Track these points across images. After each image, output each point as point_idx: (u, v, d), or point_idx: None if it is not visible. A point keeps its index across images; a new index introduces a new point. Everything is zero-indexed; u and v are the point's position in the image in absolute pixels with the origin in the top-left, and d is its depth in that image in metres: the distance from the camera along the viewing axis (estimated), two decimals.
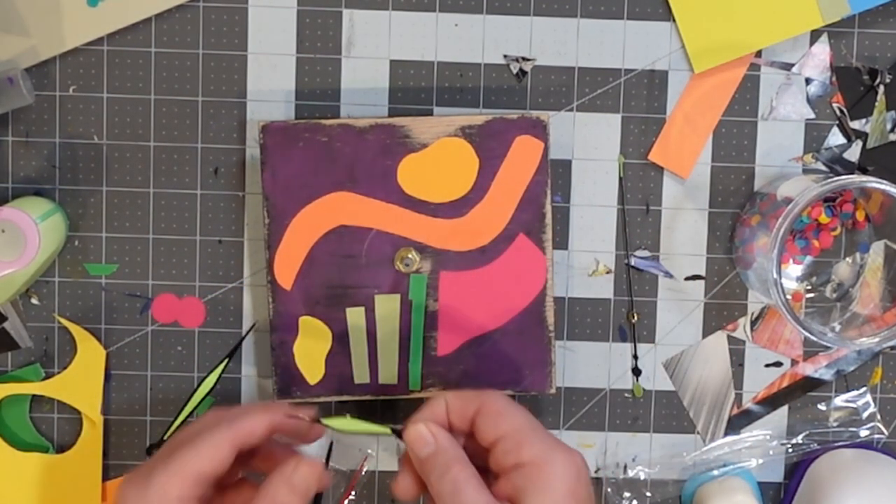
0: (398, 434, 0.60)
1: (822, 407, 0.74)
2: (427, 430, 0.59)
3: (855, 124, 0.72)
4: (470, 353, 0.69)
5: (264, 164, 0.67)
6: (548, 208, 0.68)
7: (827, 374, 0.74)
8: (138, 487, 0.57)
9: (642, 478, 0.74)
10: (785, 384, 0.74)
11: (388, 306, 0.69)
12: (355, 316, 0.69)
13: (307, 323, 0.69)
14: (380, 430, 0.61)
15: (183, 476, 0.57)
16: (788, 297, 0.66)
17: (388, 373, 0.69)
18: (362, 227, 0.68)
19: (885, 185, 0.64)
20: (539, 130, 0.68)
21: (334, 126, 0.67)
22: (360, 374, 0.69)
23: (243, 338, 0.72)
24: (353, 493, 0.73)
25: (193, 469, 0.57)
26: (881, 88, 0.72)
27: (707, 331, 0.73)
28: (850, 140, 0.72)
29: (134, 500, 0.57)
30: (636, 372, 0.73)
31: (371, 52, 0.71)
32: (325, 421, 0.61)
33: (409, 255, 0.68)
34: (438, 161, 0.68)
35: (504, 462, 0.58)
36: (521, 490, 0.57)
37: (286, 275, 0.68)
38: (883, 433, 0.74)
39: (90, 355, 0.71)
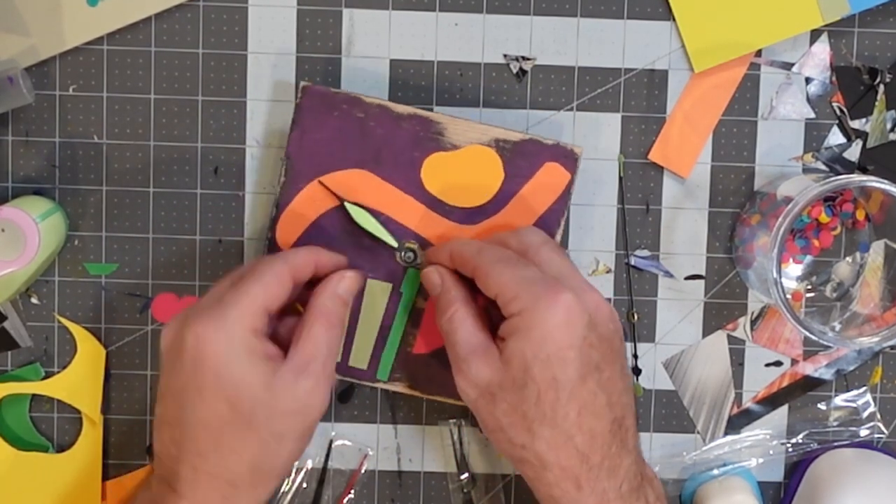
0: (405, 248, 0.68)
1: (822, 406, 0.74)
2: (436, 273, 0.65)
3: (855, 124, 0.72)
4: (443, 358, 0.66)
5: (295, 124, 0.67)
6: (558, 238, 0.68)
7: (827, 374, 0.74)
8: (215, 324, 0.59)
9: None
10: (785, 384, 0.74)
11: (378, 292, 0.69)
12: None
13: None
14: (388, 239, 0.68)
15: (254, 309, 0.60)
16: (788, 296, 0.66)
17: (360, 356, 0.69)
18: (374, 210, 0.68)
19: (885, 185, 0.64)
20: (570, 161, 0.67)
21: (373, 105, 0.67)
22: None
23: None
24: (352, 492, 0.73)
25: (262, 302, 0.60)
26: (881, 88, 0.72)
27: (707, 330, 0.73)
28: (850, 139, 0.72)
29: (213, 337, 0.59)
30: (636, 371, 0.73)
31: (371, 51, 0.71)
32: (349, 206, 0.67)
33: (412, 249, 0.68)
34: (465, 166, 0.68)
35: (504, 312, 0.61)
36: (509, 335, 0.60)
37: (287, 236, 0.68)
38: (883, 433, 0.74)
39: (90, 355, 0.71)
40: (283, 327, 0.64)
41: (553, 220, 0.68)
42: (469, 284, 0.64)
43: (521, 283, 0.60)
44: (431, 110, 0.71)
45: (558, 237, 0.68)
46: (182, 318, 0.60)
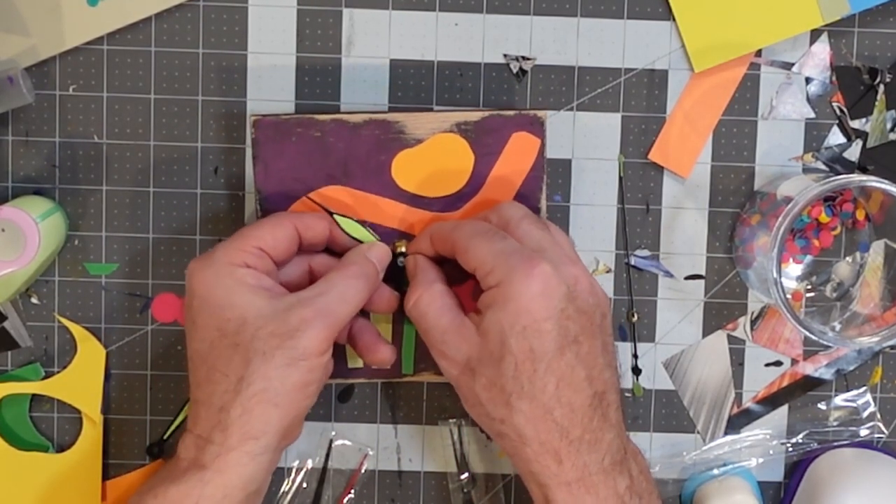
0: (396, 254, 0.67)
1: (822, 406, 0.74)
2: (412, 260, 0.67)
3: (855, 123, 0.72)
4: None
5: (256, 159, 0.67)
6: (543, 204, 0.68)
7: (827, 374, 0.74)
8: (205, 261, 0.62)
9: None
10: (785, 383, 0.74)
11: None
12: None
13: None
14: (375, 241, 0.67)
15: (242, 245, 0.62)
16: (788, 296, 0.66)
17: None
18: (356, 220, 0.68)
19: (885, 185, 0.64)
20: (537, 127, 0.68)
21: (327, 121, 0.67)
22: (354, 359, 0.69)
23: None
24: (352, 491, 0.73)
25: (255, 242, 0.62)
26: (881, 88, 0.72)
27: (707, 330, 0.73)
28: (850, 139, 0.72)
29: (201, 272, 0.61)
30: (636, 371, 0.73)
31: (371, 51, 0.71)
32: (337, 217, 0.67)
33: (403, 248, 0.68)
34: (433, 157, 0.68)
35: (482, 285, 0.62)
36: (486, 307, 0.61)
37: None
38: (883, 433, 0.74)
39: (90, 355, 0.71)
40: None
41: (534, 187, 0.68)
42: (450, 269, 0.65)
43: (498, 256, 0.60)
44: (432, 109, 0.71)
45: (543, 203, 0.68)
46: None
